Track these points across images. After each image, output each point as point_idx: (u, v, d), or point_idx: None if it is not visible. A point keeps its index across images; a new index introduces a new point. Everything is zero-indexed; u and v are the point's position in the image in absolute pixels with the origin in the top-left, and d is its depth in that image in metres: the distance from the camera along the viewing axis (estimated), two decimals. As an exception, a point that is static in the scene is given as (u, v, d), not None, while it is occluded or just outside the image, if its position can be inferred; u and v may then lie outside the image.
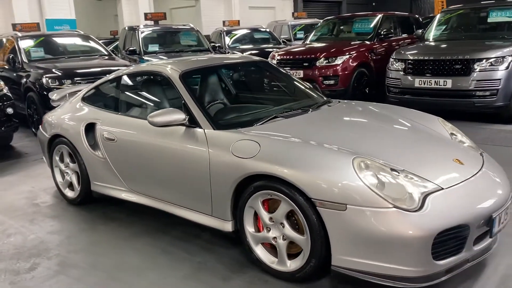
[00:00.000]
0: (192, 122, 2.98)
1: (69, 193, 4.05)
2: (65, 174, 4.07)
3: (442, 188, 2.35)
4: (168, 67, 3.40)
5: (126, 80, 3.81)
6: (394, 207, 2.19)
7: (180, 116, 2.94)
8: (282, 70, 4.11)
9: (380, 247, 2.22)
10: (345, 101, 3.72)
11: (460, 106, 6.23)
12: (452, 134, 3.12)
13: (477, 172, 2.58)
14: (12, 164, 5.52)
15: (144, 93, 3.71)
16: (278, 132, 2.81)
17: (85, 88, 4.19)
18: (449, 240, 2.25)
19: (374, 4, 21.89)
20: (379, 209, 2.20)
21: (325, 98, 3.71)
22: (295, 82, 3.96)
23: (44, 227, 3.60)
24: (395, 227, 2.16)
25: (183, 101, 3.10)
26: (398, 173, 2.37)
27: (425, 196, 2.27)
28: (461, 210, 2.28)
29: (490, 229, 2.38)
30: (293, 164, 2.44)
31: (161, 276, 2.78)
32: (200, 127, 2.95)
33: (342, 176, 2.31)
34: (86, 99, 4.00)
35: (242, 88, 3.94)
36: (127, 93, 3.77)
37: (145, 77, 3.74)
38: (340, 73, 7.57)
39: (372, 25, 8.77)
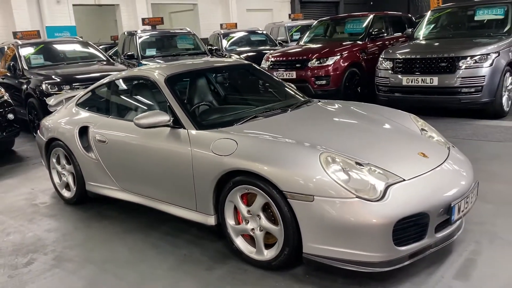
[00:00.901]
0: (176, 123, 3.18)
1: (66, 194, 4.26)
2: (62, 176, 4.28)
3: (404, 180, 2.53)
4: (156, 72, 3.59)
5: (116, 85, 4.02)
6: (356, 197, 2.37)
7: (165, 117, 3.14)
8: (267, 73, 4.30)
9: (345, 234, 2.40)
10: (325, 100, 3.90)
11: (446, 103, 6.39)
12: (422, 129, 3.30)
13: (440, 165, 2.76)
14: (14, 167, 5.75)
15: (133, 97, 3.92)
16: (255, 130, 3.00)
17: (79, 93, 4.41)
18: (409, 227, 2.43)
19: (372, 3, 22.02)
20: (343, 200, 2.38)
21: (306, 98, 3.89)
22: (278, 84, 4.15)
23: (41, 226, 3.80)
24: (357, 215, 2.35)
25: (168, 104, 3.30)
26: (363, 166, 2.55)
27: (387, 187, 2.46)
28: (420, 199, 2.46)
29: (450, 217, 2.56)
30: (266, 160, 2.63)
31: (149, 269, 2.98)
32: (184, 128, 3.14)
33: (310, 170, 2.50)
34: (80, 104, 4.22)
35: (227, 90, 4.13)
36: (117, 97, 3.98)
37: (135, 81, 3.94)
38: (332, 73, 7.75)
39: (363, 25, 8.94)
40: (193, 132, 3.08)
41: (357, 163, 2.56)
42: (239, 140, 2.84)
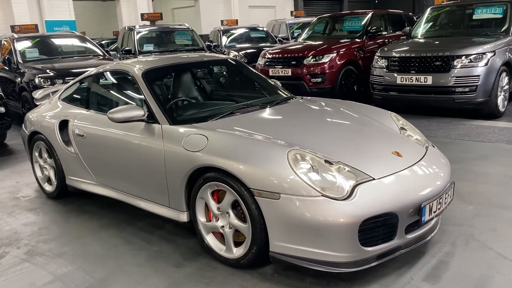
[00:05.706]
0: (151, 118, 3.13)
1: (48, 187, 4.24)
2: (43, 169, 4.25)
3: (374, 179, 2.47)
4: (135, 66, 3.55)
5: (97, 78, 3.98)
6: (322, 195, 2.32)
7: (139, 112, 3.10)
8: (250, 68, 4.24)
9: (310, 233, 2.34)
10: (307, 98, 3.84)
11: (441, 102, 6.29)
12: (402, 128, 3.23)
13: (414, 164, 2.70)
14: (2, 160, 5.74)
15: (112, 91, 3.88)
16: (229, 126, 2.95)
17: (63, 87, 4.38)
18: (377, 227, 2.37)
19: (376, 1, 21.84)
20: (309, 198, 2.32)
21: (288, 95, 3.83)
22: (261, 80, 4.09)
23: (20, 219, 3.78)
24: (322, 214, 2.29)
25: (144, 98, 3.26)
26: (332, 164, 2.49)
27: (355, 186, 2.40)
28: (389, 199, 2.40)
29: (420, 218, 2.49)
30: (234, 156, 2.58)
31: (119, 264, 2.94)
32: (158, 123, 3.10)
33: (277, 167, 2.44)
34: (62, 98, 4.19)
35: (208, 86, 4.07)
36: (97, 91, 3.94)
37: (115, 75, 3.90)
38: (327, 71, 7.67)
39: (362, 23, 8.85)
40: (167, 127, 3.04)
41: (327, 161, 2.50)
42: (210, 136, 2.79)
